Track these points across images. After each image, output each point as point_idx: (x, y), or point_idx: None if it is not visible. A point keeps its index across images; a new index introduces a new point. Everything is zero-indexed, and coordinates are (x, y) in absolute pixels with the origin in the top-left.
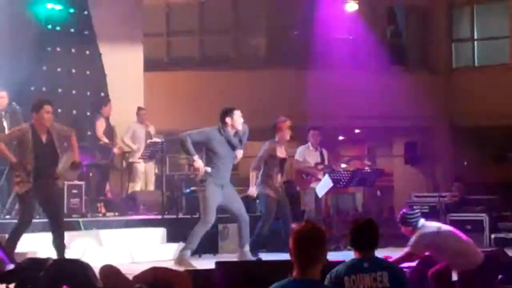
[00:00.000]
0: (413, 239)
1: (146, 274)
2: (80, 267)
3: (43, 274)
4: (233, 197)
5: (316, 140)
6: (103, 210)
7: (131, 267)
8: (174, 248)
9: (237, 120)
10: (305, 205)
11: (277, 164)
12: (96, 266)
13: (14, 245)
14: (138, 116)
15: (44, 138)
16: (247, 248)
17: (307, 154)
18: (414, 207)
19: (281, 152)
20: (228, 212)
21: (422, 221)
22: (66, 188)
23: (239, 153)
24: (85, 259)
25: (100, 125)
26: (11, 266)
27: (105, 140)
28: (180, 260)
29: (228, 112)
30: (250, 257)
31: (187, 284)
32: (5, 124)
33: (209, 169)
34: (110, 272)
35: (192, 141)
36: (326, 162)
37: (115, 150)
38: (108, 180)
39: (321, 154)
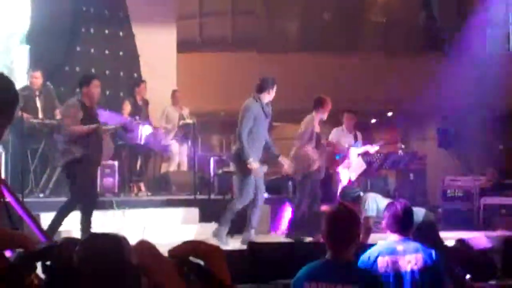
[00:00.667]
0: None
1: (181, 247)
2: (114, 241)
3: (77, 249)
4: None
5: (350, 123)
6: (136, 190)
7: (163, 247)
8: (207, 228)
9: (272, 94)
10: (337, 187)
11: (317, 139)
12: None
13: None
14: (172, 99)
15: (93, 113)
16: (251, 232)
17: (341, 136)
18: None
19: (317, 128)
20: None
21: None
22: (99, 168)
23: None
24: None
25: (126, 107)
26: (44, 244)
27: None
28: (216, 234)
29: (272, 82)
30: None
31: (222, 258)
32: (38, 104)
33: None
34: (146, 248)
35: (246, 131)
36: (360, 143)
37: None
38: (141, 160)
39: (355, 137)
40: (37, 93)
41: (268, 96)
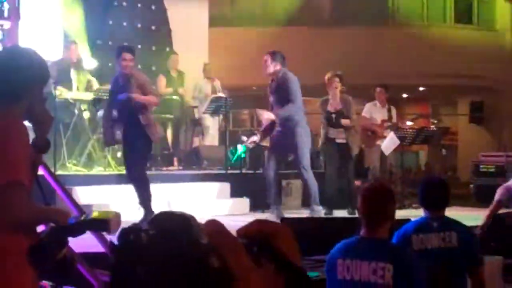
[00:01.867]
0: None
1: (249, 227)
2: (184, 220)
3: (145, 229)
4: None
5: (381, 97)
6: (172, 164)
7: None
8: (239, 202)
9: None
10: (369, 162)
11: (331, 119)
12: None
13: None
14: (204, 72)
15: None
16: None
17: (374, 111)
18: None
19: (332, 106)
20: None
21: None
22: None
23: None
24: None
25: (160, 82)
26: (75, 219)
27: (168, 91)
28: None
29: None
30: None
31: (291, 238)
32: (73, 76)
33: None
34: (216, 227)
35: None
36: (394, 120)
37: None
38: (172, 133)
39: (389, 111)
40: (72, 65)
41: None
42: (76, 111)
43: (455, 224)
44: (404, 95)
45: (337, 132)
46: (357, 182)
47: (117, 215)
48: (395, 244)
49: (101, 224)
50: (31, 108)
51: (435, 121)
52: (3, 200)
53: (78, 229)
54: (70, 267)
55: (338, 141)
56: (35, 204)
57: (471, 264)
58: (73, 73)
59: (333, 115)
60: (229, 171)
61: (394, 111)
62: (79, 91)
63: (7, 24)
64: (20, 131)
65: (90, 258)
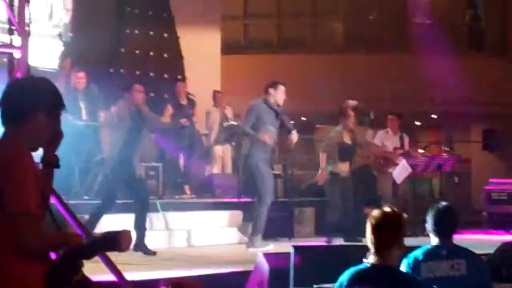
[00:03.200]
0: None
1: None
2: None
3: None
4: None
5: (393, 125)
6: (184, 192)
7: (208, 249)
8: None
9: (280, 94)
10: (381, 190)
11: (343, 151)
12: (171, 246)
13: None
14: (214, 100)
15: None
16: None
17: (386, 139)
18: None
19: (347, 139)
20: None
21: None
22: (143, 170)
23: (294, 136)
24: (160, 240)
25: (167, 112)
26: (87, 241)
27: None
28: (251, 244)
29: (273, 84)
30: (257, 245)
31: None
32: (82, 105)
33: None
34: None
35: (248, 125)
36: (406, 147)
37: (182, 121)
38: (184, 162)
39: (401, 139)
40: (80, 94)
41: (271, 97)
42: (89, 140)
43: (464, 252)
44: (417, 123)
45: (343, 166)
46: (368, 210)
47: (126, 233)
48: (405, 272)
49: (112, 244)
50: (38, 134)
51: (448, 149)
52: (15, 230)
53: (89, 250)
54: None
55: (342, 175)
56: (47, 231)
57: None
58: (81, 102)
59: (350, 148)
60: (242, 199)
61: (406, 139)
62: (89, 120)
63: (17, 54)
64: (27, 158)
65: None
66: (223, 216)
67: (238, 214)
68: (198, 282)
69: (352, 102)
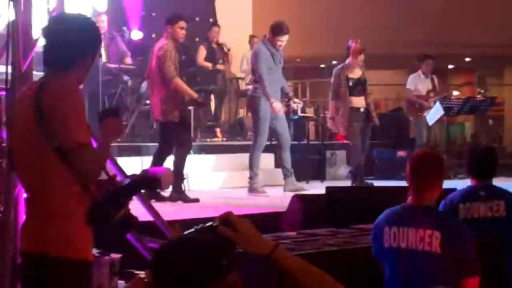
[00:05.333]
0: None
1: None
2: (214, 243)
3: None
4: (280, 117)
5: (428, 69)
6: (216, 135)
7: (240, 191)
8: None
9: (277, 42)
10: (416, 133)
11: (353, 86)
12: (204, 189)
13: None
14: (250, 44)
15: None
16: (292, 178)
17: (418, 82)
18: None
19: (355, 73)
20: (272, 130)
21: None
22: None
23: (295, 103)
24: (192, 182)
25: (201, 53)
26: (126, 181)
27: (207, 65)
28: (253, 189)
29: (273, 30)
30: (296, 186)
31: (250, 227)
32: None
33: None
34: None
35: (266, 77)
36: (437, 88)
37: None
38: (216, 104)
39: (432, 81)
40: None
41: (274, 42)
42: (119, 83)
43: (503, 193)
44: (450, 66)
45: (359, 100)
46: (401, 152)
47: (167, 172)
48: (443, 212)
49: (153, 182)
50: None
51: (482, 91)
52: (73, 164)
53: (131, 189)
54: (129, 228)
55: (361, 109)
56: (95, 152)
57: None
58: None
59: (358, 83)
60: (273, 142)
61: (436, 81)
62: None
63: None
64: (78, 97)
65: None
66: None
67: (270, 157)
68: (244, 218)
69: (358, 43)
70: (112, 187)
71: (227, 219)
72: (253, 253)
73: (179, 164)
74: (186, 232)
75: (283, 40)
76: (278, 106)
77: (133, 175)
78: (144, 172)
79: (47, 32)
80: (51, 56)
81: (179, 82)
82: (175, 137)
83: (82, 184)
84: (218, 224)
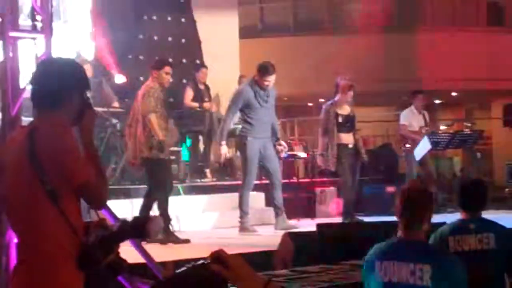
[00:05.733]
0: None
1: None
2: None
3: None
4: (271, 155)
5: (420, 103)
6: (205, 176)
7: (231, 230)
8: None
9: (265, 82)
10: (408, 169)
11: (342, 122)
12: (195, 230)
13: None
14: (239, 84)
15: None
16: (283, 216)
17: (412, 118)
18: None
19: (344, 110)
20: (263, 169)
21: None
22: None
23: (282, 147)
24: (183, 223)
25: (188, 93)
26: (115, 226)
27: (194, 105)
28: (243, 228)
29: (260, 70)
30: (287, 224)
31: (242, 263)
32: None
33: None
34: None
35: (231, 116)
36: (428, 123)
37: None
38: (204, 145)
39: (424, 117)
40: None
41: (261, 82)
42: (108, 127)
43: (493, 225)
44: (437, 101)
45: (348, 136)
46: (390, 188)
47: (156, 221)
48: (433, 245)
49: (141, 231)
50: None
51: (469, 125)
52: (87, 195)
53: (120, 236)
54: (118, 272)
55: (350, 146)
56: (99, 182)
57: (510, 263)
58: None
59: (347, 119)
60: (263, 181)
61: (427, 116)
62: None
63: (41, 38)
64: (70, 134)
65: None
66: None
67: (261, 196)
68: (236, 254)
69: (347, 80)
70: (102, 230)
71: (218, 256)
72: None
73: (162, 206)
74: (178, 271)
75: (270, 80)
76: (224, 150)
77: (123, 221)
78: (134, 219)
79: (35, 74)
80: (39, 97)
81: (153, 119)
82: (155, 177)
83: (71, 228)
84: (210, 261)
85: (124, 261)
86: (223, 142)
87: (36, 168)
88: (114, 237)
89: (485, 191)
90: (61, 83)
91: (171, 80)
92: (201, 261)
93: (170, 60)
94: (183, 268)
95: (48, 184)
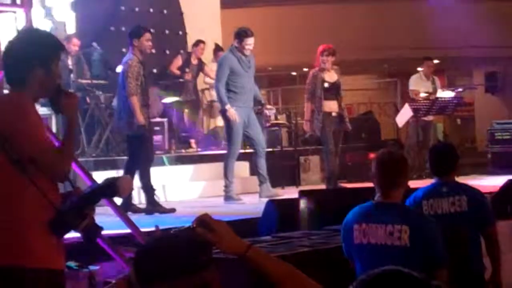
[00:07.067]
0: None
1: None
2: (190, 239)
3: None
4: (254, 124)
5: (429, 70)
6: (190, 146)
7: (216, 200)
8: (257, 180)
9: (245, 47)
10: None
11: (327, 90)
12: (181, 199)
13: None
14: (214, 55)
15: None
16: (267, 184)
17: (420, 84)
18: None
19: (330, 77)
20: (247, 138)
21: None
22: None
23: (270, 110)
24: (169, 193)
25: (176, 61)
26: (85, 190)
27: (176, 72)
28: (228, 197)
29: (238, 35)
30: (271, 192)
31: (226, 229)
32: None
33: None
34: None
35: (223, 83)
36: (439, 90)
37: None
38: (192, 115)
39: (433, 83)
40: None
41: (241, 48)
42: (91, 99)
43: (465, 188)
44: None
45: (332, 104)
46: (373, 155)
47: (125, 180)
48: (409, 207)
49: (111, 189)
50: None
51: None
52: (42, 166)
53: (91, 197)
54: (93, 237)
55: (333, 114)
56: (59, 149)
57: (482, 225)
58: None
59: (333, 86)
60: (247, 150)
61: (437, 82)
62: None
63: (20, 12)
64: (33, 109)
65: (117, 237)
66: None
67: (245, 165)
68: (220, 220)
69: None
70: (75, 197)
71: (203, 220)
72: (229, 253)
73: (144, 176)
74: (164, 234)
75: (250, 43)
76: (232, 114)
77: (94, 183)
78: (104, 180)
79: (5, 48)
80: (6, 73)
81: (134, 101)
82: (134, 150)
83: (44, 197)
84: (195, 225)
85: (99, 227)
86: (227, 106)
87: (0, 139)
88: (85, 199)
89: (455, 155)
90: (23, 57)
91: (151, 47)
92: (187, 225)
93: (152, 31)
94: (170, 231)
95: (13, 154)
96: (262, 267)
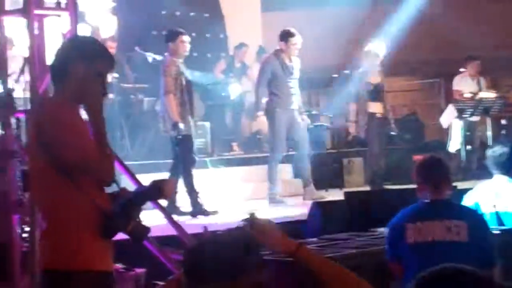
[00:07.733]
0: None
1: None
2: (242, 239)
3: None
4: (298, 126)
5: (474, 70)
6: (232, 149)
7: (261, 203)
8: (300, 183)
9: (291, 47)
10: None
11: (372, 91)
12: (225, 202)
13: None
14: (257, 55)
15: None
16: (311, 187)
17: (464, 84)
18: None
19: (374, 79)
20: (291, 140)
21: None
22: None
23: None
24: (213, 196)
25: (220, 65)
26: (130, 193)
27: (220, 76)
28: (272, 200)
29: (283, 36)
30: (315, 194)
31: (274, 229)
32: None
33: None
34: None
35: (263, 87)
36: (484, 91)
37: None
38: (231, 119)
39: (478, 83)
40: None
41: (284, 51)
42: (135, 103)
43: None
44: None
45: (376, 105)
46: (418, 157)
47: (170, 182)
48: (463, 204)
49: (156, 191)
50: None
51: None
52: (89, 171)
53: (138, 199)
54: (141, 238)
55: (378, 115)
56: (103, 157)
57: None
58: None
59: (377, 88)
60: (291, 153)
61: (483, 82)
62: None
63: (65, 15)
64: (68, 114)
65: (162, 239)
66: None
67: (288, 167)
68: (268, 219)
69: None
70: (122, 199)
71: (252, 220)
72: (280, 252)
73: (188, 179)
74: (214, 234)
75: (296, 42)
76: (262, 121)
77: (140, 186)
78: (150, 182)
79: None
80: (51, 69)
81: (170, 99)
82: (176, 153)
83: (92, 200)
84: (244, 226)
85: (147, 228)
86: (260, 113)
87: (43, 145)
88: (132, 202)
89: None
90: (65, 56)
91: (187, 49)
92: (236, 226)
93: (193, 34)
94: (220, 232)
95: (57, 162)
96: (312, 266)
